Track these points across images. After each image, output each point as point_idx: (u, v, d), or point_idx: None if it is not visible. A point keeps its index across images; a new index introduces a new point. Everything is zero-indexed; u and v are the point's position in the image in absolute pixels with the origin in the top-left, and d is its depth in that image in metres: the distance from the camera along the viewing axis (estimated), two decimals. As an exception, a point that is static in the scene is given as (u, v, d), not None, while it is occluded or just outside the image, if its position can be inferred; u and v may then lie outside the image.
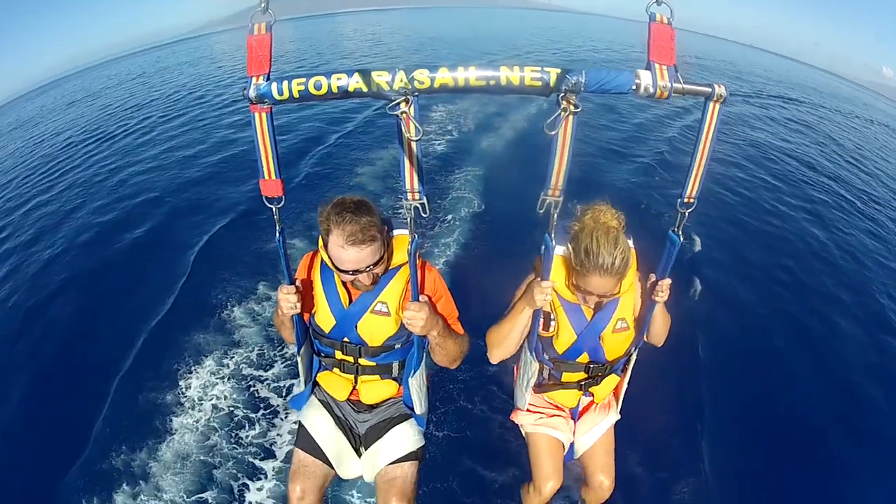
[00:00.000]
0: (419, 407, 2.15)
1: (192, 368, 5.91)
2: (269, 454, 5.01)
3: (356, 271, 1.78)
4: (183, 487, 4.81)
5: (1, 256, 8.93)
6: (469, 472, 4.52)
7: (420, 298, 1.82)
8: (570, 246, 1.87)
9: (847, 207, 11.19)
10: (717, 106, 1.41)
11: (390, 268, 1.94)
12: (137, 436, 5.14)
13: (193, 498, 4.71)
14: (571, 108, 1.33)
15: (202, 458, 5.05)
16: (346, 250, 1.73)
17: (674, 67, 1.36)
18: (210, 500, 4.73)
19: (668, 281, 1.85)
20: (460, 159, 11.39)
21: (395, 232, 1.98)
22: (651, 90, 1.34)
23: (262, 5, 1.43)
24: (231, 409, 5.49)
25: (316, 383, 2.21)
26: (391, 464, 2.10)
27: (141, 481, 4.82)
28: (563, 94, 1.32)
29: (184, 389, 5.64)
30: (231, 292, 6.87)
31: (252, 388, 5.50)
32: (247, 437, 5.24)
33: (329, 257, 1.83)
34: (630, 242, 1.90)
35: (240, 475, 4.91)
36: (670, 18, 1.38)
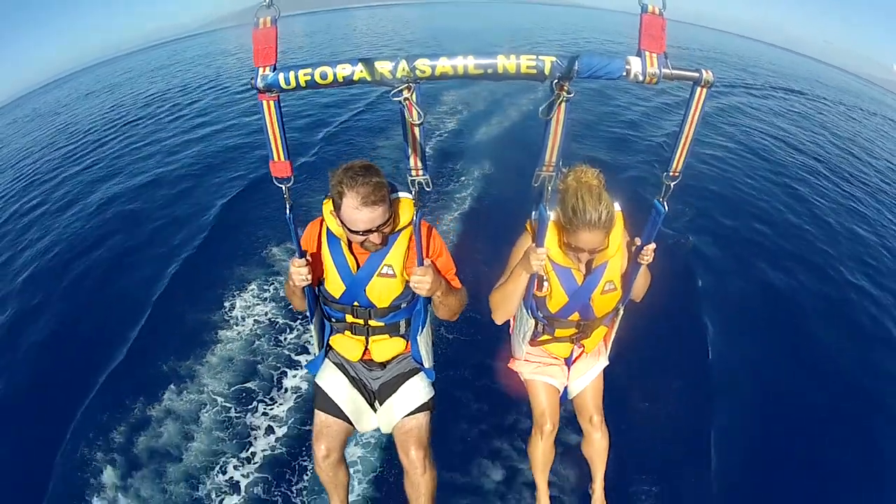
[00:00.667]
0: (427, 361, 2.29)
1: (236, 294, 6.95)
2: (304, 350, 5.89)
3: (368, 231, 1.87)
4: (227, 381, 5.69)
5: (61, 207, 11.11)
6: (476, 416, 4.94)
7: (424, 262, 1.93)
8: (557, 209, 1.98)
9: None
10: (704, 90, 1.48)
11: (394, 230, 2.03)
12: (185, 346, 6.09)
13: (236, 387, 5.59)
14: (565, 94, 1.40)
15: (245, 357, 5.96)
16: (361, 211, 1.81)
17: (664, 55, 1.42)
18: (253, 388, 5.58)
19: (652, 245, 1.99)
20: (463, 139, 12.17)
21: (395, 195, 2.06)
22: (640, 76, 1.40)
23: (267, 0, 1.50)
24: (272, 320, 6.48)
25: (329, 347, 2.33)
26: (406, 416, 2.24)
27: (187, 380, 5.74)
28: (557, 81, 1.38)
29: (228, 310, 6.69)
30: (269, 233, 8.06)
31: (290, 307, 6.14)
32: (285, 339, 6.16)
33: (341, 221, 1.90)
34: (616, 206, 2.02)
35: (279, 366, 5.78)
36: (662, 9, 1.43)
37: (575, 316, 2.25)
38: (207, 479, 4.82)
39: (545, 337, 2.38)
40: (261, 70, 1.49)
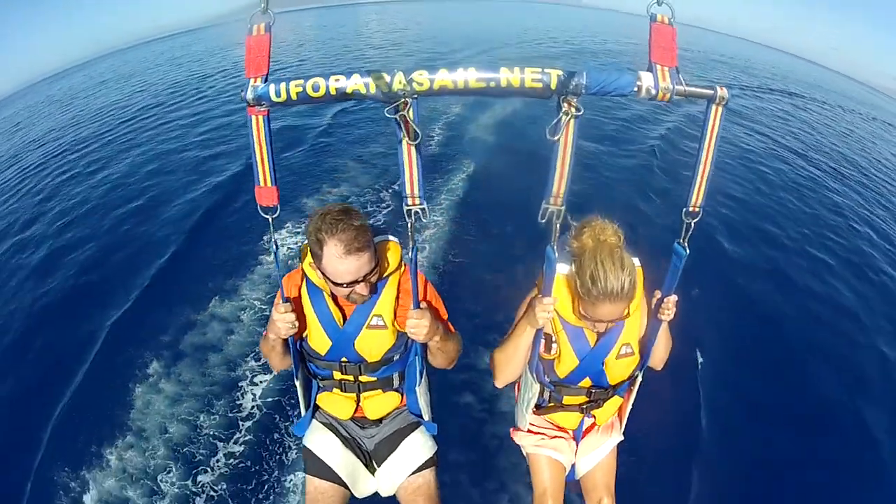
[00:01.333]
0: (427, 413, 2.12)
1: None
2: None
3: (353, 282, 1.69)
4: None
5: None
6: (467, 493, 4.42)
7: (421, 305, 1.77)
8: (573, 269, 1.78)
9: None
10: (720, 109, 1.38)
11: (381, 277, 1.88)
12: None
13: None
14: (573, 110, 1.31)
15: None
16: (345, 260, 1.63)
17: (675, 69, 1.34)
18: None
19: (673, 298, 1.76)
20: (455, 153, 11.41)
21: (378, 238, 1.91)
22: (653, 92, 1.32)
23: (263, 5, 1.41)
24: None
25: (316, 406, 2.15)
26: (411, 475, 2.07)
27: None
28: (564, 97, 1.30)
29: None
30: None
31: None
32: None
33: (322, 273, 1.73)
34: (636, 261, 1.80)
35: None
36: (671, 19, 1.35)
37: (586, 382, 2.01)
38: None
39: (551, 405, 2.14)
40: (252, 81, 1.41)
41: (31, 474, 4.84)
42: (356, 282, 1.70)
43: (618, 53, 30.80)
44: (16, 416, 5.56)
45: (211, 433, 5.12)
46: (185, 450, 4.98)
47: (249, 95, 1.40)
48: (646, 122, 14.53)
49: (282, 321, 1.74)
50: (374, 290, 1.84)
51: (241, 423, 5.16)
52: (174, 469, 4.82)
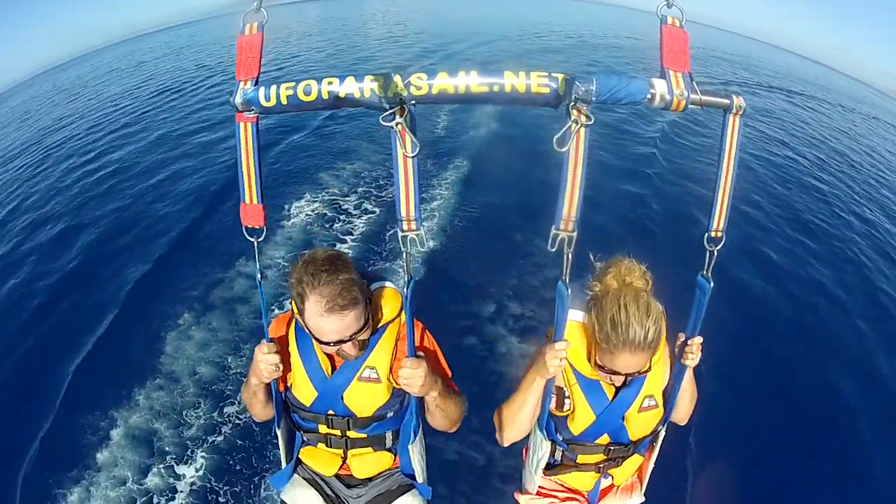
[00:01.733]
0: (421, 475, 1.90)
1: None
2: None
3: (340, 342, 1.53)
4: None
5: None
6: None
7: (417, 354, 1.60)
8: (592, 314, 1.59)
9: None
10: (738, 119, 1.29)
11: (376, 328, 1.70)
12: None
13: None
14: (583, 118, 1.21)
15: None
16: (327, 319, 1.46)
17: (689, 75, 1.26)
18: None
19: (699, 339, 1.57)
20: (449, 165, 10.75)
21: (375, 286, 1.74)
22: (668, 99, 1.24)
23: (255, 4, 1.33)
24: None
25: (299, 460, 1.97)
26: None
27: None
28: (573, 104, 1.21)
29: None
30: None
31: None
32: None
33: (306, 326, 1.56)
34: (659, 306, 1.61)
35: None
36: (682, 21, 1.27)
37: (604, 439, 1.78)
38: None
39: (564, 465, 1.92)
40: (241, 84, 1.33)
41: (52, 414, 5.15)
42: (342, 341, 1.53)
43: (619, 48, 30.48)
44: (41, 362, 5.89)
45: (238, 372, 5.43)
46: (213, 387, 5.33)
47: (238, 99, 1.32)
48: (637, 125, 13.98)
49: (265, 363, 1.57)
50: (366, 346, 1.66)
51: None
52: (202, 404, 5.17)
